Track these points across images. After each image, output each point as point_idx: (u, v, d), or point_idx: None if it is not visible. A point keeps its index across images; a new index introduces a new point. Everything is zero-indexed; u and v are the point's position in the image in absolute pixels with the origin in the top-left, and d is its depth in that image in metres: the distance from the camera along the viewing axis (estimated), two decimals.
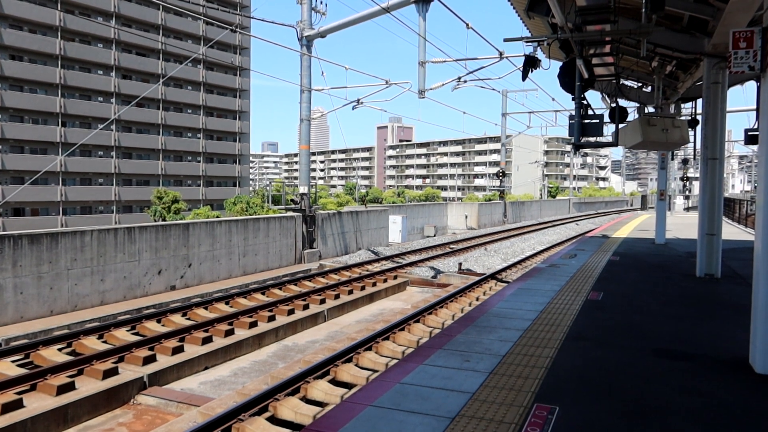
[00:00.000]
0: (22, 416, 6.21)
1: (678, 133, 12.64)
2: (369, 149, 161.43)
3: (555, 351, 5.76)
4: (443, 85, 21.62)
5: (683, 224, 26.14)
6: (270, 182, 24.47)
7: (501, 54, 19.59)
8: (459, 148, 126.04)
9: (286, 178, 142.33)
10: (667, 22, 10.18)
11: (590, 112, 9.31)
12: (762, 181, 5.07)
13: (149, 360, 8.17)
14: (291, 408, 6.40)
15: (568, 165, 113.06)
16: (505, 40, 9.86)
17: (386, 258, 19.51)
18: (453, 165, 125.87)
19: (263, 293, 12.96)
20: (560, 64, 9.35)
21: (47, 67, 51.78)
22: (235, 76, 67.95)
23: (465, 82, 21.97)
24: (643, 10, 7.31)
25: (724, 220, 12.94)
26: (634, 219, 31.98)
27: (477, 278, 14.78)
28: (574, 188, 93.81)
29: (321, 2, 19.81)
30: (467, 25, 16.81)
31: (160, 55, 60.00)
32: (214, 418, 5.89)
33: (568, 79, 9.05)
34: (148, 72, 59.01)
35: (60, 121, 52.79)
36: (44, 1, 51.20)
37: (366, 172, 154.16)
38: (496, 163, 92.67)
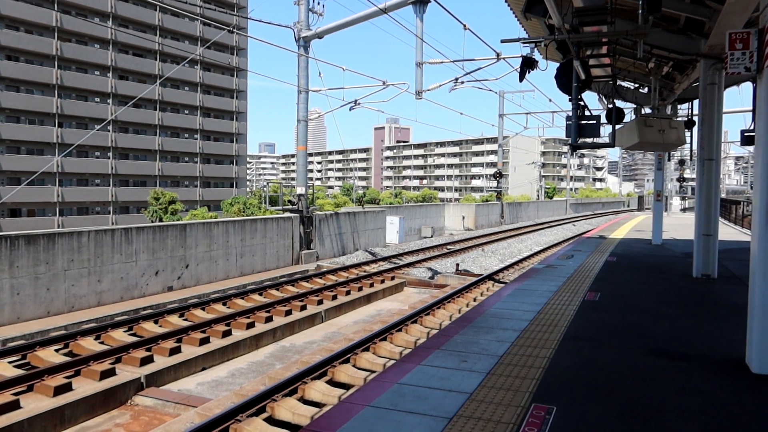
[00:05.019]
0: (19, 417, 6.19)
1: (674, 134, 12.68)
2: (366, 150, 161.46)
3: (552, 351, 5.77)
4: (440, 86, 21.68)
5: (680, 225, 26.20)
6: (267, 183, 24.48)
7: (498, 55, 19.64)
8: (456, 149, 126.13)
9: (284, 179, 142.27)
10: (664, 24, 10.21)
11: (587, 113, 9.34)
12: (758, 182, 5.09)
13: (146, 361, 8.15)
14: (289, 409, 6.40)
15: (565, 166, 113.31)
16: (503, 41, 9.90)
17: (383, 259, 19.51)
18: (450, 166, 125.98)
19: (260, 294, 12.95)
20: (557, 65, 9.38)
21: (44, 67, 51.67)
22: (232, 77, 67.90)
23: (462, 83, 22.02)
24: (640, 11, 7.33)
25: (720, 221, 12.98)
26: (630, 220, 32.04)
27: (474, 279, 14.79)
28: (571, 189, 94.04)
29: (318, 3, 19.83)
30: (464, 26, 16.84)
31: (157, 56, 59.93)
32: (212, 419, 5.89)
33: (565, 80, 9.07)
34: (145, 73, 58.94)
35: (57, 121, 52.70)
36: (41, 1, 51.10)
37: (363, 173, 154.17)
38: (493, 164, 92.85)
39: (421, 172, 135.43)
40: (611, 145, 10.46)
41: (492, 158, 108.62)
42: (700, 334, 6.55)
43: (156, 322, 10.32)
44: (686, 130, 14.57)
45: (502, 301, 8.33)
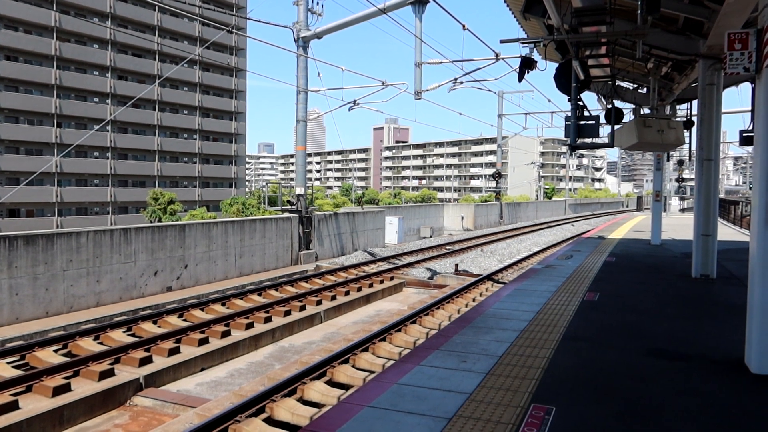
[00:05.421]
0: (17, 418, 6.18)
1: (673, 134, 12.69)
2: (365, 150, 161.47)
3: (551, 351, 5.77)
4: (439, 86, 21.70)
5: (679, 225, 26.22)
6: (266, 183, 24.47)
7: (497, 55, 19.65)
8: (455, 150, 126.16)
9: (282, 179, 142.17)
10: (663, 24, 10.22)
11: (586, 113, 9.34)
12: (757, 182, 5.10)
13: (145, 361, 8.14)
14: (288, 409, 6.40)
15: (564, 166, 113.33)
16: (502, 41, 9.91)
17: (383, 259, 19.51)
18: (449, 166, 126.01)
19: (259, 294, 12.94)
20: (556, 65, 9.38)
21: (43, 67, 51.64)
22: (231, 77, 67.89)
23: (461, 83, 22.03)
24: (639, 11, 7.34)
25: (719, 221, 13.00)
26: (629, 220, 32.06)
27: (473, 279, 14.79)
28: (570, 189, 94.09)
29: (317, 3, 19.83)
30: (463, 26, 16.83)
31: (156, 56, 59.90)
32: (211, 420, 5.88)
33: (564, 81, 9.07)
34: (143, 73, 58.92)
35: (55, 121, 52.66)
36: (40, 1, 51.07)
37: (362, 174, 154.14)
38: (492, 165, 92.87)
39: (420, 173, 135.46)
40: (610, 145, 10.47)
41: (491, 158, 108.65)
42: (699, 334, 6.55)
43: (155, 323, 10.31)
44: (685, 131, 14.58)
45: (501, 301, 8.33)
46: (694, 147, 11.99)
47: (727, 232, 22.49)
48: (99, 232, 12.52)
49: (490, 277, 15.23)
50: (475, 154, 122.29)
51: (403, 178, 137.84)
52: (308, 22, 19.52)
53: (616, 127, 12.00)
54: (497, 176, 41.86)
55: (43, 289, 11.29)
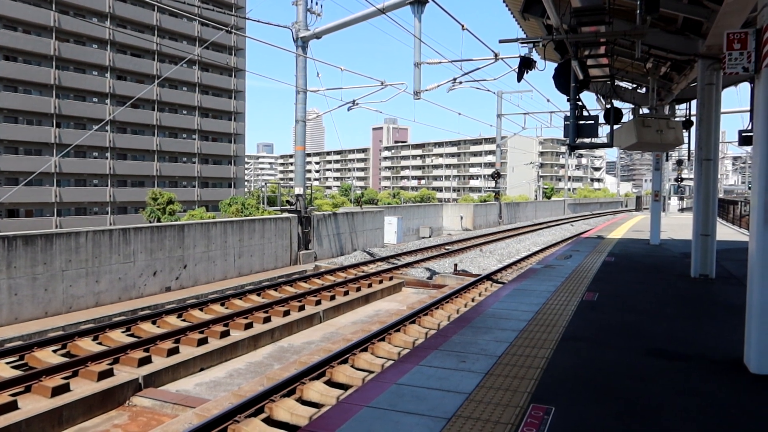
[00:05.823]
0: (16, 418, 6.18)
1: (672, 134, 12.70)
2: (364, 150, 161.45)
3: (551, 351, 5.77)
4: (438, 86, 21.71)
5: (678, 225, 26.24)
6: (265, 183, 24.46)
7: (496, 55, 19.66)
8: (454, 149, 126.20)
9: (282, 179, 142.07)
10: (662, 24, 10.22)
11: (585, 113, 9.33)
12: (756, 183, 5.10)
13: (144, 361, 8.14)
14: (287, 409, 6.40)
15: (563, 166, 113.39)
16: (501, 41, 9.90)
17: (382, 259, 19.50)
18: (448, 166, 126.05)
19: (259, 294, 12.94)
20: (555, 65, 9.38)
21: (42, 67, 51.61)
22: (231, 77, 67.87)
23: (460, 83, 22.05)
24: (638, 11, 7.34)
25: (718, 221, 13.02)
26: (628, 220, 32.07)
27: (472, 279, 14.79)
28: (569, 189, 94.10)
29: (316, 3, 19.83)
30: (462, 26, 16.83)
31: (155, 56, 59.87)
32: (210, 420, 5.88)
33: (563, 81, 9.07)
34: (142, 73, 58.89)
35: (54, 122, 52.63)
36: (39, 1, 51.03)
37: (361, 173, 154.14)
38: (491, 164, 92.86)
39: (419, 173, 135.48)
40: (609, 145, 10.47)
41: (490, 158, 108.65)
42: (698, 334, 6.55)
43: (154, 323, 10.30)
44: (684, 131, 14.59)
45: (500, 301, 8.33)
46: (693, 147, 12.01)
47: (726, 231, 22.50)
48: (98, 232, 12.51)
49: (489, 277, 15.23)
50: (474, 154, 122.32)
51: (402, 178, 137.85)
52: (307, 22, 19.52)
53: (615, 127, 12.00)
54: (496, 176, 41.86)
55: (42, 289, 11.28)
